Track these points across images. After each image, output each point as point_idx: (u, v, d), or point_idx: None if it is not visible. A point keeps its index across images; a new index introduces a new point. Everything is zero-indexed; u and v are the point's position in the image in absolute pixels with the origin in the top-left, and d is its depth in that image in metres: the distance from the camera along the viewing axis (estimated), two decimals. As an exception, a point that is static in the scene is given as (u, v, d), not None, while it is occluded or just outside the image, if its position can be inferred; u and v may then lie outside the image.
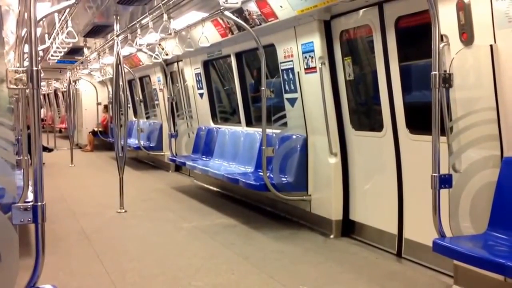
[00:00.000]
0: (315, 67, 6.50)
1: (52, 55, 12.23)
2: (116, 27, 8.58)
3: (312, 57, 6.53)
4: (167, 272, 5.37)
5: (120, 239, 6.76)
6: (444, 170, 4.04)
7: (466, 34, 4.19)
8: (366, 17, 5.89)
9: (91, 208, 8.64)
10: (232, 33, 7.84)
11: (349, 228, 6.53)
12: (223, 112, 10.86)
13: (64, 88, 20.32)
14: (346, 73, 6.39)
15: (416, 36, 5.51)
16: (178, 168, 12.49)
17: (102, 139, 17.75)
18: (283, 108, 7.36)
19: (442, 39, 4.26)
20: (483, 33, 4.08)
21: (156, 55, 10.01)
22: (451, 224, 4.21)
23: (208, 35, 7.84)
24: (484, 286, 4.28)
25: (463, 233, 4.17)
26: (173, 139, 11.71)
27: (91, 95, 19.19)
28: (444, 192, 4.05)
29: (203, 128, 10.56)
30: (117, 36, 8.60)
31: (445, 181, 3.99)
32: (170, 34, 7.86)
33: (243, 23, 6.94)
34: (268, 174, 6.86)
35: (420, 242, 5.32)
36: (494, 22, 3.98)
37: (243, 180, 7.28)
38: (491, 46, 4.02)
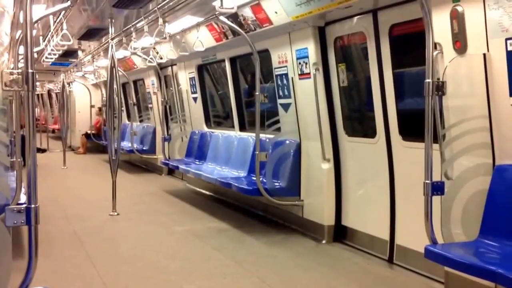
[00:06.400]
0: (309, 73, 6.53)
1: (46, 57, 12.20)
2: (111, 30, 8.58)
3: (306, 63, 6.56)
4: (159, 275, 5.37)
5: (112, 242, 6.75)
6: (436, 177, 4.06)
7: (460, 42, 4.22)
8: (360, 24, 5.93)
9: (83, 210, 8.62)
10: (227, 38, 7.86)
11: (341, 233, 6.55)
12: (216, 116, 10.88)
13: (58, 89, 20.27)
14: (340, 79, 6.42)
15: (410, 44, 5.54)
16: (171, 171, 12.48)
17: (95, 142, 17.71)
18: (277, 113, 7.38)
19: (435, 47, 4.28)
20: (476, 42, 4.11)
21: (151, 58, 10.01)
22: (443, 231, 4.23)
23: (202, 39, 7.87)
24: (474, 293, 4.31)
25: (454, 240, 4.20)
26: (166, 143, 11.70)
27: (85, 97, 19.16)
28: (436, 199, 4.07)
29: (197, 132, 10.57)
30: (112, 39, 8.60)
31: (437, 188, 4.01)
32: (165, 38, 7.87)
33: (238, 28, 6.96)
34: (261, 179, 6.88)
35: (411, 248, 5.34)
36: (487, 31, 4.01)
37: (236, 184, 7.29)
38: (484, 55, 4.06)
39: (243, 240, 6.75)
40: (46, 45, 10.20)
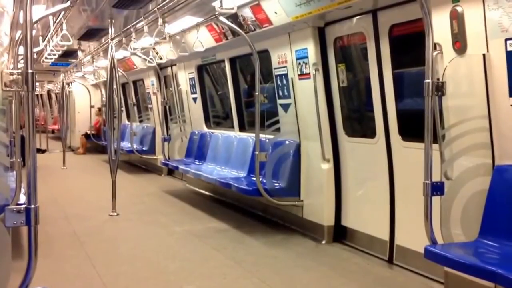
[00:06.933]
0: (308, 73, 6.53)
1: (46, 58, 12.19)
2: (111, 30, 8.57)
3: (306, 64, 6.56)
4: (159, 275, 5.37)
5: (112, 242, 6.75)
6: (436, 177, 4.06)
7: (459, 43, 4.22)
8: (360, 25, 5.93)
9: (83, 211, 8.62)
10: (227, 38, 7.86)
11: (341, 234, 6.54)
12: (216, 116, 10.88)
13: (58, 90, 20.27)
14: (340, 79, 6.42)
15: (410, 44, 5.54)
16: (171, 171, 12.48)
17: (95, 142, 17.71)
18: (277, 113, 7.38)
19: (435, 48, 4.29)
20: (476, 42, 4.11)
21: (150, 59, 10.02)
22: (442, 231, 4.24)
23: (202, 40, 7.86)
24: (474, 293, 4.31)
25: (454, 240, 4.20)
26: (166, 143, 11.71)
27: (85, 97, 19.16)
28: (436, 199, 4.07)
29: (196, 132, 10.57)
30: (112, 39, 8.60)
31: (437, 188, 4.01)
32: (165, 38, 7.87)
33: (237, 28, 6.96)
34: (260, 179, 6.87)
35: (411, 248, 5.34)
36: (487, 32, 4.01)
37: (236, 184, 7.28)
38: (483, 55, 4.06)
39: (243, 240, 6.74)
40: (45, 46, 10.19)
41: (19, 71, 3.15)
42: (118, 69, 9.96)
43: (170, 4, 6.83)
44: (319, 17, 6.17)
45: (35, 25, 8.00)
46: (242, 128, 9.19)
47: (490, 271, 3.37)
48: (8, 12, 7.10)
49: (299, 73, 6.73)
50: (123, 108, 16.07)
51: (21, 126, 6.12)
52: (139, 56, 10.62)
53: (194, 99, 10.60)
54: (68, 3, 6.60)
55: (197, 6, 6.80)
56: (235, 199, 8.82)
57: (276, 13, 6.37)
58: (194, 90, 10.52)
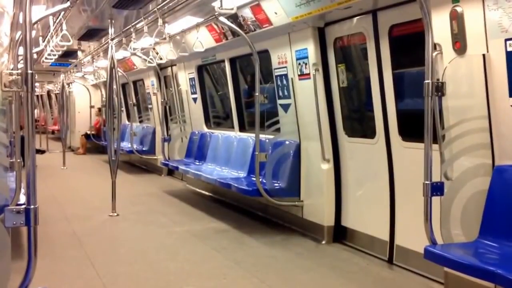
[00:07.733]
0: (308, 74, 6.53)
1: (46, 58, 12.20)
2: (111, 30, 8.57)
3: (306, 64, 6.56)
4: (159, 276, 5.37)
5: (112, 243, 6.75)
6: (436, 177, 4.06)
7: (459, 43, 4.22)
8: (360, 25, 5.93)
9: (83, 211, 8.62)
10: (227, 39, 7.86)
11: (341, 234, 6.54)
12: (216, 117, 10.88)
13: (58, 90, 20.28)
14: (340, 80, 6.42)
15: (410, 44, 5.54)
16: (171, 172, 12.48)
17: (95, 142, 17.72)
18: (277, 113, 7.38)
19: (435, 48, 4.29)
20: (476, 43, 4.11)
21: (150, 59, 10.02)
22: (442, 231, 4.24)
23: (202, 40, 7.86)
24: (474, 293, 4.31)
25: (454, 241, 4.20)
26: (166, 143, 11.72)
27: (85, 98, 19.17)
28: (435, 200, 4.07)
29: (196, 132, 10.57)
30: (112, 39, 8.60)
31: (437, 189, 4.01)
32: (165, 38, 7.87)
33: (237, 28, 6.96)
34: (260, 179, 6.87)
35: (411, 249, 5.34)
36: (487, 32, 4.01)
37: (236, 185, 7.28)
38: (483, 55, 4.06)
39: (243, 240, 6.74)
40: (45, 46, 10.19)
41: (19, 71, 3.14)
42: (118, 69, 9.96)
43: (170, 4, 6.84)
44: (319, 17, 6.18)
45: (35, 25, 8.00)
46: (242, 128, 9.19)
47: (490, 272, 3.36)
48: (8, 12, 7.09)
49: (299, 73, 6.73)
50: (123, 108, 16.07)
51: (21, 127, 6.12)
52: (139, 56, 10.63)
53: (194, 99, 10.60)
54: (68, 3, 6.60)
55: (197, 6, 6.80)
56: (235, 199, 8.81)
57: (276, 13, 6.37)
58: (194, 90, 10.52)
